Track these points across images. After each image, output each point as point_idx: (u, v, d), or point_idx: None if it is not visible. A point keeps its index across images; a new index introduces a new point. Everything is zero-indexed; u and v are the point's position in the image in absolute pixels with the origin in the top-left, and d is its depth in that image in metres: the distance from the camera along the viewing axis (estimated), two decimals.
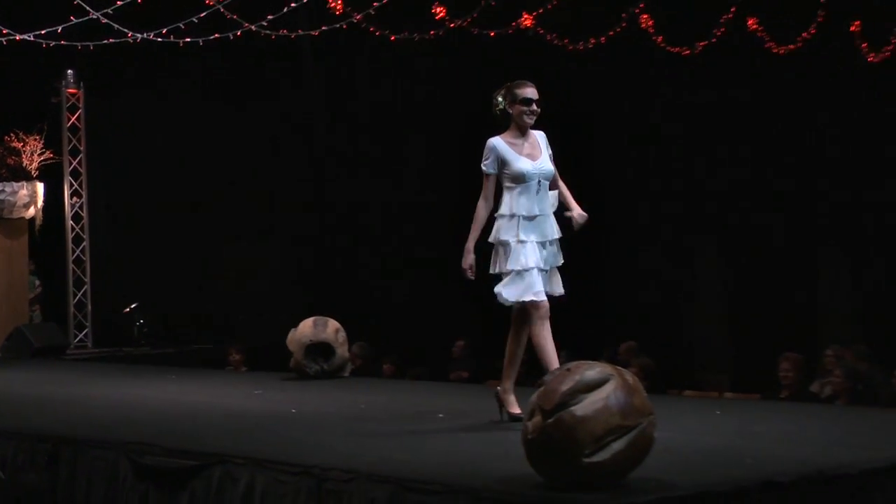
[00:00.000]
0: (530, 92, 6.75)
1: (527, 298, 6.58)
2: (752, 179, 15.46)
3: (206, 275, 15.83)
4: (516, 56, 14.78)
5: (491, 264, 6.73)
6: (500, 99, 6.79)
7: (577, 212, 6.82)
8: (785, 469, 5.18)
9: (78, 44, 11.37)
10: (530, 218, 6.64)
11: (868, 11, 14.52)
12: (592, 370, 4.87)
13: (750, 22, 14.18)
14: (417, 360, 13.39)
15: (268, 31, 11.32)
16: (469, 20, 12.83)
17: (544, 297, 6.61)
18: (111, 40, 11.01)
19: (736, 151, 15.47)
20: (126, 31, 10.65)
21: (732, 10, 13.84)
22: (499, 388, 6.87)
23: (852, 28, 14.70)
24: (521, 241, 6.62)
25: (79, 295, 14.95)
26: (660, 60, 14.46)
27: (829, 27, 14.31)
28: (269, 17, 11.16)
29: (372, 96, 16.25)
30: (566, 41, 13.90)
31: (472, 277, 6.70)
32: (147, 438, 6.39)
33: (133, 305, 14.79)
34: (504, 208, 6.68)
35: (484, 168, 6.73)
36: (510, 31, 13.37)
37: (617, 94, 15.76)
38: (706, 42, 13.97)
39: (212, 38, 11.09)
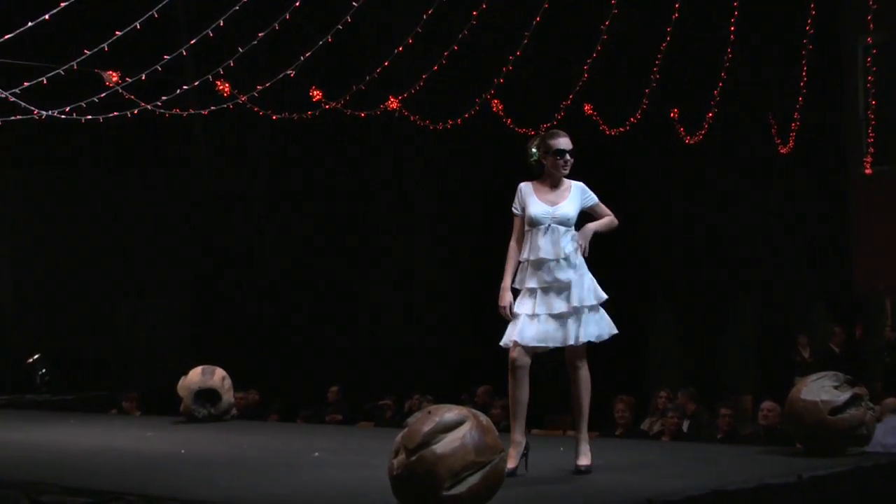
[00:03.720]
0: (563, 143, 6.24)
1: (502, 342, 6.10)
2: None
3: (103, 325, 15.43)
4: (381, 134, 14.95)
5: None
6: (533, 150, 6.29)
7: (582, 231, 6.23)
8: (619, 497, 5.21)
9: None
10: (536, 262, 6.13)
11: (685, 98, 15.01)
12: (451, 412, 4.87)
13: (586, 107, 14.49)
14: (304, 405, 13.25)
15: (162, 111, 11.24)
16: (342, 102, 12.88)
17: (520, 346, 6.00)
18: (18, 117, 10.78)
19: None
20: (32, 108, 10.43)
21: (570, 96, 14.10)
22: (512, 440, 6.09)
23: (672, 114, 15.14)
24: (526, 288, 6.13)
25: None
26: (509, 138, 14.60)
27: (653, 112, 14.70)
28: (164, 98, 11.06)
29: (256, 167, 16.11)
30: (428, 122, 13.98)
31: (510, 317, 6.09)
32: (46, 478, 6.19)
33: (35, 356, 14.37)
34: (522, 253, 6.22)
35: (512, 209, 6.26)
36: (377, 113, 13.42)
37: (470, 170, 15.93)
38: (548, 124, 14.06)
39: (111, 115, 10.93)
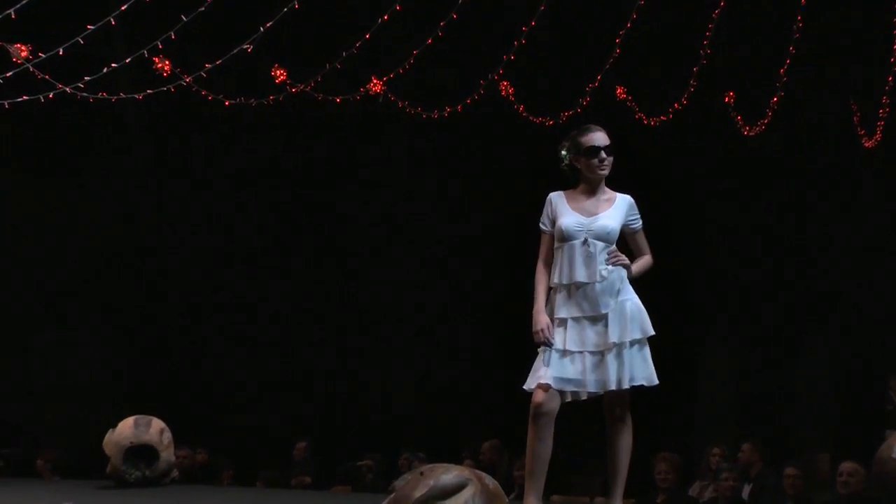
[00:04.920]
0: (598, 138, 6.29)
1: (526, 385, 6.13)
2: None
3: (11, 364, 15.45)
4: (364, 122, 14.91)
5: None
6: (563, 153, 6.37)
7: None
8: None
9: None
10: (569, 287, 6.17)
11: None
12: (449, 474, 4.83)
13: (619, 91, 14.46)
14: (264, 465, 13.24)
15: (85, 94, 11.27)
16: (313, 84, 12.86)
17: (549, 388, 6.06)
18: None
19: None
20: None
21: (599, 77, 14.08)
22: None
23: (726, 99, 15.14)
24: (557, 318, 6.17)
25: None
26: (522, 130, 14.60)
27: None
28: (87, 78, 11.05)
29: (205, 167, 16.08)
30: (419, 109, 13.97)
31: (549, 342, 6.13)
32: None
33: None
34: (552, 277, 6.28)
35: (540, 225, 6.35)
36: (357, 97, 13.41)
37: (479, 163, 15.92)
38: (570, 112, 14.11)
39: (19, 100, 10.89)
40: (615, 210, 6.25)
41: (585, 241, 6.16)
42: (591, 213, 6.22)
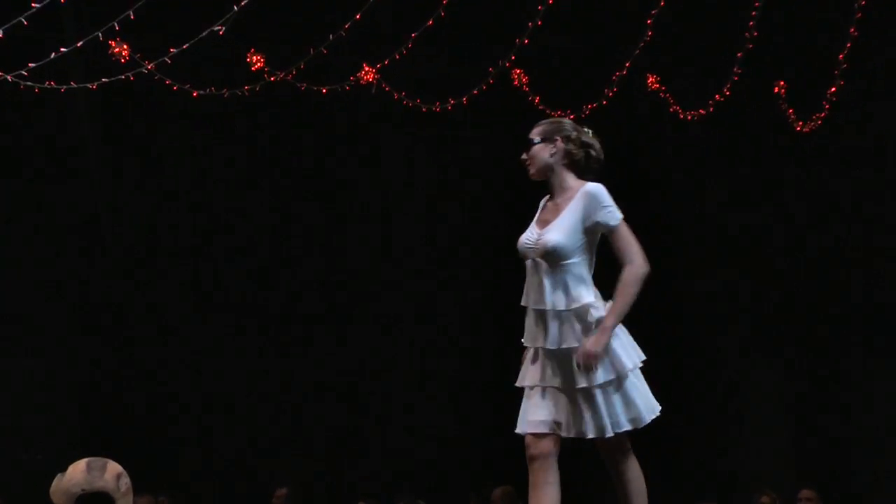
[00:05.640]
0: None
1: (518, 430, 6.22)
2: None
3: None
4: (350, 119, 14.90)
5: None
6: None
7: (584, 345, 6.11)
8: None
9: None
10: (529, 311, 6.25)
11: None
12: None
13: (650, 80, 14.43)
14: None
15: (29, 83, 11.13)
16: (294, 72, 12.83)
17: (533, 430, 6.12)
18: None
19: None
20: None
21: (627, 64, 13.99)
22: None
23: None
24: (531, 347, 6.29)
25: None
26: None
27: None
28: (31, 64, 10.99)
29: (171, 169, 15.96)
30: (418, 101, 13.91)
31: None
32: None
33: None
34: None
35: None
36: (347, 87, 13.38)
37: (482, 172, 15.87)
38: (594, 105, 14.08)
39: None
40: (569, 213, 6.23)
41: (535, 262, 6.18)
42: (545, 224, 6.28)
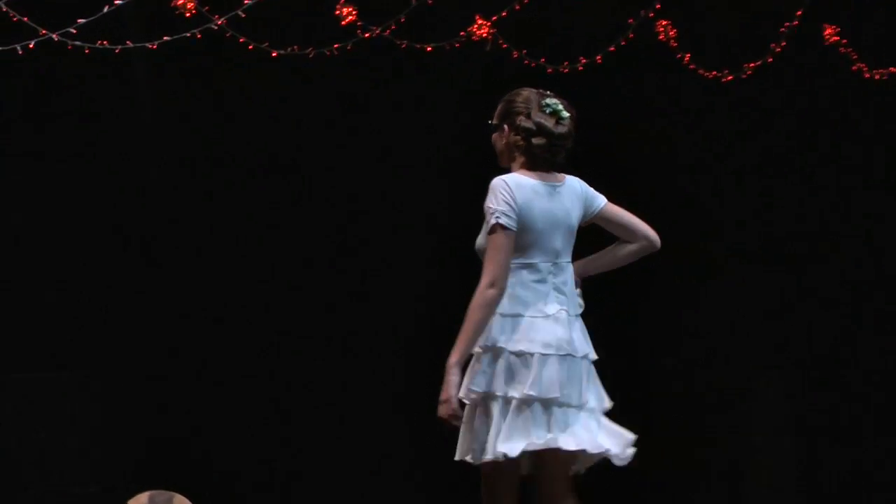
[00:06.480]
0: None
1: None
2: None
3: None
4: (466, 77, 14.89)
5: None
6: None
7: None
8: None
9: None
10: None
11: None
12: None
13: (826, 31, 14.37)
14: None
15: (78, 43, 11.31)
16: (393, 27, 13.00)
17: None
18: None
19: None
20: None
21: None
22: None
23: None
24: None
25: None
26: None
27: None
28: (80, 20, 11.25)
29: (235, 137, 15.98)
30: (543, 60, 13.92)
31: None
32: None
33: None
34: None
35: None
36: (457, 45, 13.47)
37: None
38: (758, 62, 14.14)
39: None
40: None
41: None
42: None
